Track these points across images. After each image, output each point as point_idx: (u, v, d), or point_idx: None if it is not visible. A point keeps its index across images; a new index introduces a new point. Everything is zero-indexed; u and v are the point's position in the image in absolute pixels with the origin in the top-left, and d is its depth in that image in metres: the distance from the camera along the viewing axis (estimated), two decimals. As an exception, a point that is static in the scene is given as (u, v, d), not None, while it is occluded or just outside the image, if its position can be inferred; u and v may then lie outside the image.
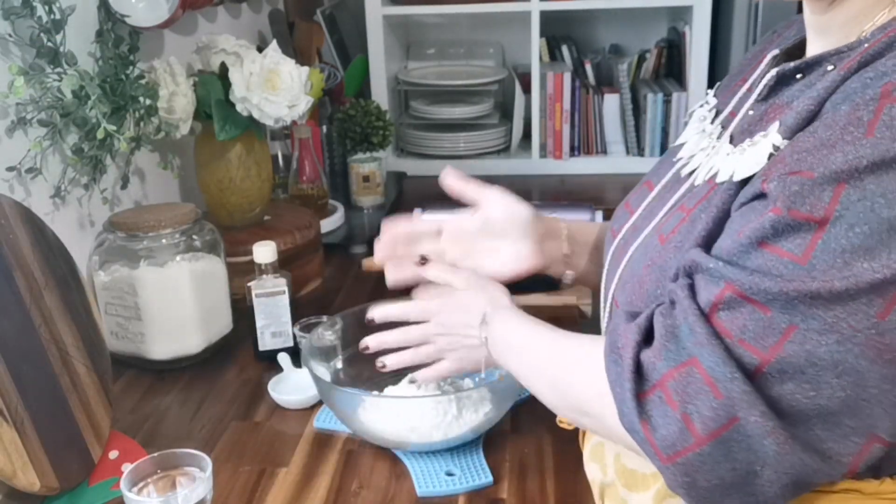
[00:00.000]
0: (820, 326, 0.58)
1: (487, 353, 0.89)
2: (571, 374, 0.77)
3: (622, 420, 0.66)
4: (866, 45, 0.67)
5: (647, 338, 0.67)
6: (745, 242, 0.62)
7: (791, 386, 0.59)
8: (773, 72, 0.74)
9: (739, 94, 0.82)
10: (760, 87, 0.76)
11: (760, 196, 0.63)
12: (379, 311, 0.99)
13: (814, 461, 0.61)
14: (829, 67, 0.70)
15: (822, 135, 0.61)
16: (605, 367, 0.69)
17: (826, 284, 0.57)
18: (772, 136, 0.67)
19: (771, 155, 0.66)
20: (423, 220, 1.03)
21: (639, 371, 0.65)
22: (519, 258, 0.97)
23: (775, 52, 0.80)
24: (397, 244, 1.01)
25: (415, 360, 0.96)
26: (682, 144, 0.87)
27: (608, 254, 0.86)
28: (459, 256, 0.99)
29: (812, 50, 0.76)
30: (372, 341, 0.97)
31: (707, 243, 0.68)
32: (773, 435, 0.59)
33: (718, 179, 0.72)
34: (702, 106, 0.92)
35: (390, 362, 0.97)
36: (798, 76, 0.73)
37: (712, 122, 0.85)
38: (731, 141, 0.76)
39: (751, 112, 0.77)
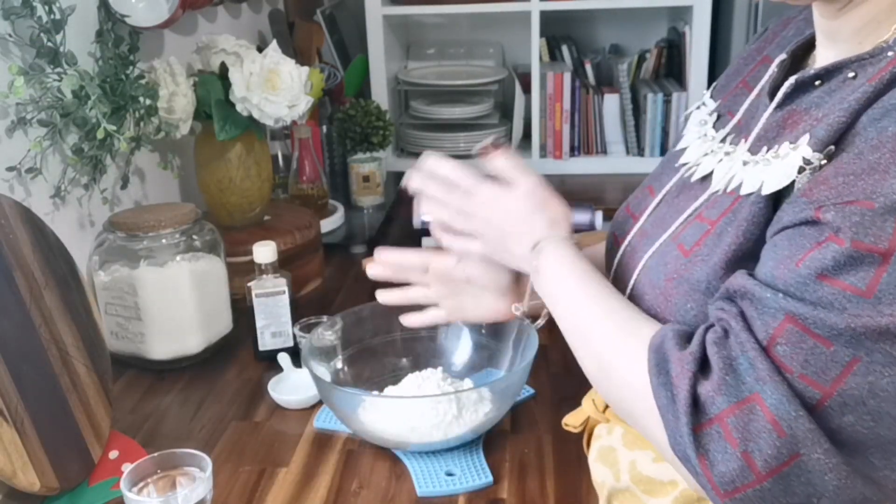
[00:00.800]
0: (885, 359, 0.57)
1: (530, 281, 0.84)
2: (615, 367, 0.73)
3: (675, 449, 0.64)
4: (890, 53, 0.66)
5: (702, 367, 0.65)
6: (804, 273, 0.60)
7: (851, 418, 0.59)
8: (792, 80, 0.72)
9: (748, 101, 0.80)
10: (779, 95, 0.74)
11: (811, 223, 0.61)
12: (418, 177, 0.90)
13: (870, 491, 0.60)
14: (850, 74, 0.68)
15: (870, 157, 0.60)
16: (653, 387, 0.66)
17: (894, 319, 0.57)
18: (802, 149, 0.65)
19: (801, 168, 0.64)
20: (412, 253, 1.01)
21: (695, 404, 0.63)
22: (498, 311, 0.97)
23: (783, 56, 0.79)
24: (388, 269, 1.01)
25: (449, 222, 0.89)
26: (682, 149, 0.86)
27: (614, 260, 0.85)
28: (445, 294, 0.99)
29: (823, 55, 0.75)
30: (415, 182, 0.90)
31: (737, 258, 0.68)
32: (835, 471, 0.59)
33: (743, 191, 0.70)
34: (699, 108, 0.90)
35: (427, 216, 0.93)
36: (816, 83, 0.72)
37: (714, 127, 0.84)
38: (749, 149, 0.75)
39: (763, 118, 0.76)
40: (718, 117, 0.85)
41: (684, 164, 0.84)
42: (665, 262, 0.75)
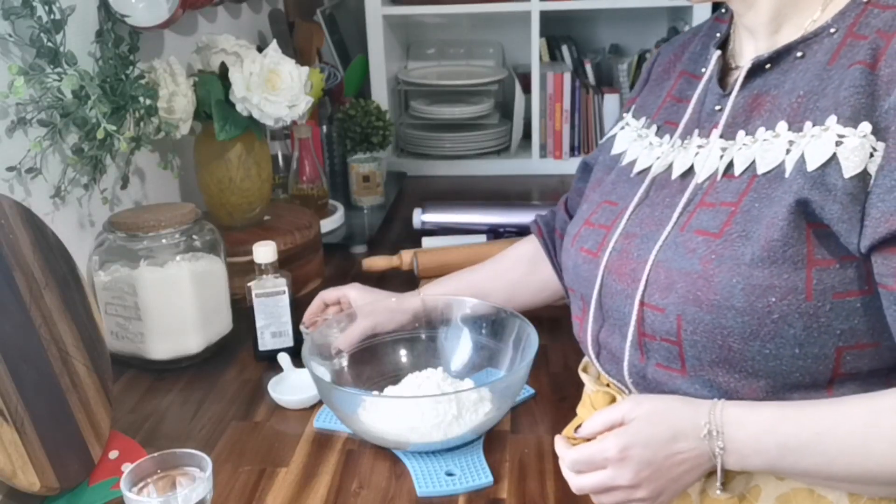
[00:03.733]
0: None
1: (720, 465, 0.76)
2: None
3: None
4: (833, 30, 0.76)
5: None
6: None
7: None
8: (749, 64, 0.82)
9: (693, 102, 0.87)
10: (740, 79, 0.82)
11: None
12: (572, 480, 0.83)
13: None
14: (798, 55, 0.79)
15: None
16: None
17: None
18: (834, 128, 0.72)
19: (838, 142, 0.71)
20: (315, 304, 1.24)
21: None
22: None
23: (718, 53, 0.87)
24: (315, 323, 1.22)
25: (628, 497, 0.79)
26: (631, 162, 0.92)
27: (598, 268, 0.86)
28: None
29: (747, 47, 0.85)
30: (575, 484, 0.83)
31: (790, 226, 0.72)
32: None
33: (760, 171, 0.76)
34: (623, 129, 0.98)
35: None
36: (767, 66, 0.81)
37: (658, 135, 0.91)
38: (721, 136, 0.82)
39: (717, 108, 0.84)
40: (658, 128, 0.92)
41: (640, 173, 0.90)
42: (691, 249, 0.77)
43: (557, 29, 2.34)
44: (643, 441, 0.77)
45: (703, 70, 0.89)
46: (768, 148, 0.77)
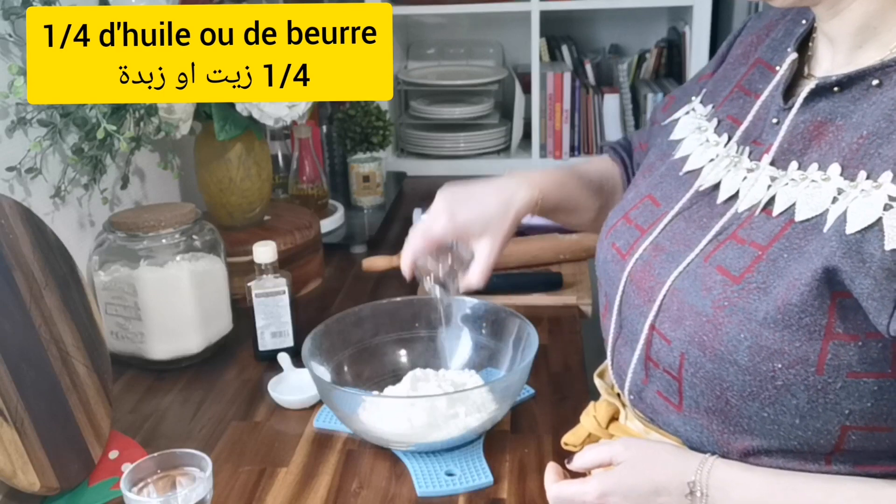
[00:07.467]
0: None
1: None
2: None
3: None
4: None
5: None
6: None
7: None
8: (812, 85, 0.72)
9: (757, 106, 0.79)
10: (799, 100, 0.73)
11: None
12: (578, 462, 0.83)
13: None
14: (874, 82, 0.69)
15: None
16: None
17: None
18: (886, 187, 0.63)
19: (887, 206, 0.62)
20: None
21: None
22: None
23: (794, 55, 0.78)
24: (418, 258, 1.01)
25: None
26: (684, 157, 0.85)
27: (622, 274, 0.82)
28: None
29: (824, 53, 0.76)
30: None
31: (811, 291, 0.65)
32: None
33: (798, 217, 0.69)
34: (688, 114, 0.90)
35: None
36: (835, 88, 0.71)
37: (716, 132, 0.84)
38: (773, 163, 0.74)
39: (775, 121, 0.76)
40: (718, 122, 0.85)
41: (689, 173, 0.83)
42: (707, 287, 0.72)
43: (557, 29, 2.34)
44: (624, 490, 0.75)
45: (779, 67, 0.78)
46: (814, 192, 0.68)
